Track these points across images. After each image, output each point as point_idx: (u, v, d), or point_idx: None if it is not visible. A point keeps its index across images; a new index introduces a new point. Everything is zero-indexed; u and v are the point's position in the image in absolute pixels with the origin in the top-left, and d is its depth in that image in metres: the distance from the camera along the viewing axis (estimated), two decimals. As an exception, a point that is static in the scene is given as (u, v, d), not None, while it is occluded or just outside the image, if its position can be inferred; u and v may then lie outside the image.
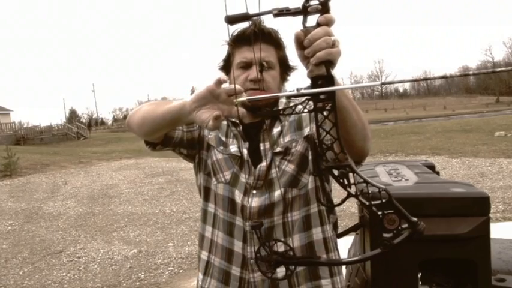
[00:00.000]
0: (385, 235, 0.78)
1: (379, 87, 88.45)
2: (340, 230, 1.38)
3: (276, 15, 0.77)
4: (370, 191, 0.77)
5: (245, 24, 1.17)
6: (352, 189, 0.78)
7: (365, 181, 0.77)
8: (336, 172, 0.79)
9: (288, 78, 1.30)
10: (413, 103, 64.24)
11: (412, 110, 53.32)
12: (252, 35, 1.17)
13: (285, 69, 1.27)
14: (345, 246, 1.72)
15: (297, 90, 0.77)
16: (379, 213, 0.77)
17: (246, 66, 1.20)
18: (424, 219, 0.97)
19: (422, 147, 12.76)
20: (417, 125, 21.49)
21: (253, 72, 1.18)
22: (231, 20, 0.81)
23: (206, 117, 0.87)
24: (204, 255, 1.32)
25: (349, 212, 5.85)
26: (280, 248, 0.98)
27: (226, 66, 1.28)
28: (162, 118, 1.04)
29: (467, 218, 1.14)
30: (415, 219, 0.77)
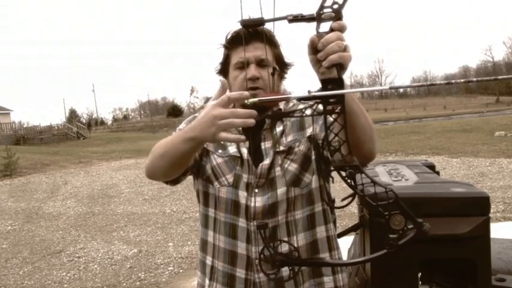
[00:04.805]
0: (391, 235, 0.79)
1: (380, 87, 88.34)
2: (340, 230, 1.38)
3: (290, 21, 0.81)
4: (376, 192, 0.77)
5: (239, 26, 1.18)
6: (359, 190, 0.79)
7: (372, 181, 0.78)
8: (343, 173, 0.80)
9: (286, 76, 1.31)
10: (413, 103, 64.20)
11: (412, 110, 53.28)
12: (246, 35, 1.17)
13: (282, 66, 1.28)
14: (345, 246, 1.72)
15: (308, 92, 0.79)
16: (386, 213, 0.78)
17: (243, 66, 1.20)
18: (424, 219, 0.97)
19: (422, 147, 12.76)
20: (417, 125, 21.48)
21: (251, 71, 1.18)
22: (246, 24, 0.84)
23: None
24: (208, 260, 1.31)
25: (349, 212, 5.85)
26: (284, 247, 0.98)
27: (224, 69, 1.28)
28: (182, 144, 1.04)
29: (467, 218, 1.14)
30: (420, 220, 0.78)
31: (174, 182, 1.25)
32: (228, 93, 0.93)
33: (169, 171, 1.17)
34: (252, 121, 0.89)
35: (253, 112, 0.90)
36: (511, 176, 7.80)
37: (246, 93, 0.89)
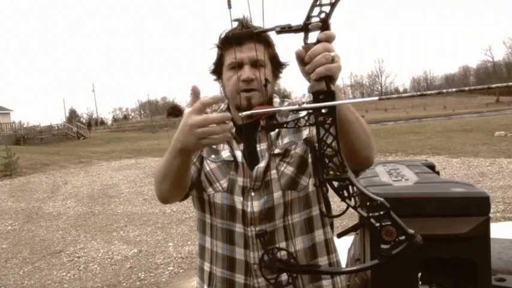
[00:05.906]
0: (383, 246, 0.79)
1: (379, 87, 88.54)
2: (340, 230, 1.38)
3: (278, 32, 0.80)
4: (368, 204, 0.78)
5: (233, 25, 1.16)
6: (351, 201, 0.79)
7: (363, 194, 0.78)
8: (335, 184, 0.81)
9: (280, 75, 1.29)
10: (413, 103, 64.13)
11: (412, 110, 53.29)
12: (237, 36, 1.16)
13: (277, 66, 1.26)
14: (345, 246, 1.72)
15: (299, 104, 0.80)
16: (377, 225, 0.78)
17: (237, 66, 1.18)
18: (424, 219, 0.97)
19: (422, 147, 12.76)
20: (417, 125, 21.49)
21: (245, 72, 1.16)
22: (237, 36, 0.85)
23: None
24: (206, 266, 1.30)
25: (349, 211, 5.85)
26: (282, 252, 0.98)
27: (218, 69, 1.26)
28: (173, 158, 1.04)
29: (467, 218, 1.13)
30: (411, 231, 0.78)
31: (185, 197, 1.24)
32: (201, 99, 0.92)
33: (177, 190, 1.15)
34: (229, 125, 0.91)
35: (227, 115, 0.92)
36: (511, 176, 7.80)
37: (228, 114, 0.93)
